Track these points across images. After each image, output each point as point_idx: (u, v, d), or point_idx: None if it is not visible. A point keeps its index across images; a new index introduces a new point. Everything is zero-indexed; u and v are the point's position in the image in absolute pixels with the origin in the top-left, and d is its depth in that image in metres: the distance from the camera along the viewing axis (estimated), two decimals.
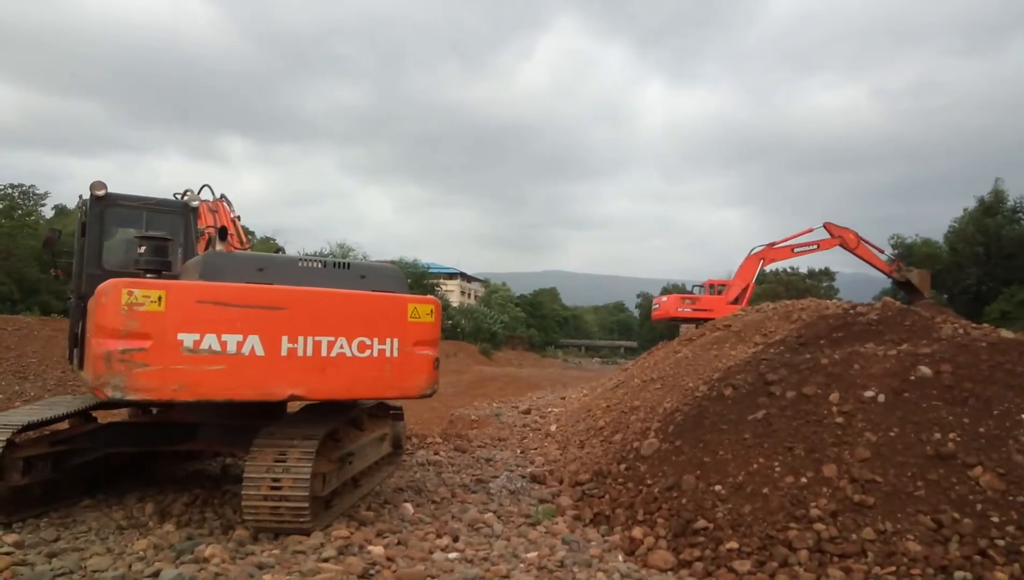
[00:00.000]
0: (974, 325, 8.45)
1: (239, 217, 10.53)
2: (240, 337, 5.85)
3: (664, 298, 38.91)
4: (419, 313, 6.58)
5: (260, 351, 5.91)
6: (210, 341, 5.74)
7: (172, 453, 8.47)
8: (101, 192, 7.79)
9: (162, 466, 8.79)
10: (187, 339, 5.67)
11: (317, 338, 6.14)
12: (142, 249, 6.72)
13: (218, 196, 10.05)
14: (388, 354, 6.42)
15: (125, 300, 5.53)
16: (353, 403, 7.39)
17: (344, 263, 6.97)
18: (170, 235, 7.40)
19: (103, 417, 8.11)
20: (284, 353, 6.01)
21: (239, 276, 6.31)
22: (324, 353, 6.17)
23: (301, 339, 6.07)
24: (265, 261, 6.70)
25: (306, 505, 5.91)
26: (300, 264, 6.68)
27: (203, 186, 9.54)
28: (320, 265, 6.76)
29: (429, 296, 7.07)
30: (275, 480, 5.91)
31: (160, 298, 5.63)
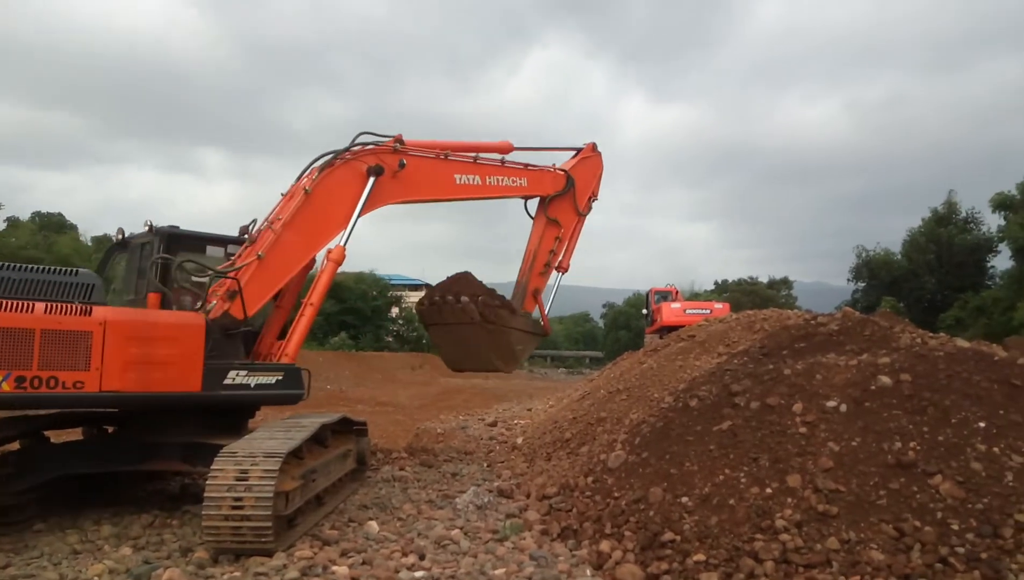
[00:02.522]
0: (931, 334, 8.62)
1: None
2: None
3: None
4: None
5: None
6: None
7: (130, 473, 8.25)
8: (120, 237, 8.78)
9: (119, 486, 8.55)
10: None
11: None
12: None
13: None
14: None
15: None
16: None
17: None
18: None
19: (56, 436, 7.88)
20: None
21: None
22: None
23: None
24: None
25: (269, 525, 5.80)
26: None
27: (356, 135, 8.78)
28: None
29: None
30: (237, 499, 5.79)
31: None
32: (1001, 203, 40.41)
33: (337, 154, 8.53)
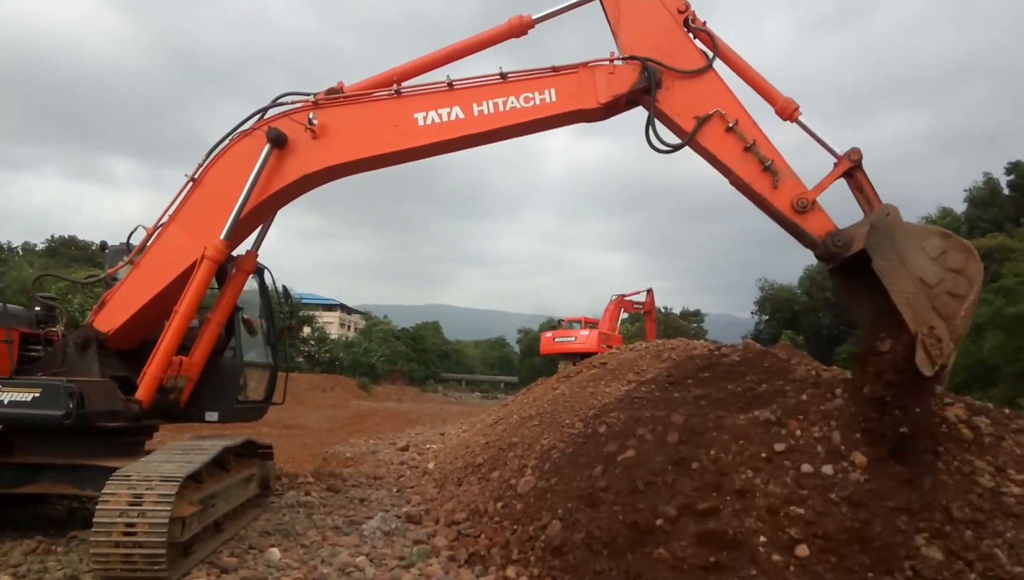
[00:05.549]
0: (824, 367, 9.07)
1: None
2: None
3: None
4: None
5: None
6: None
7: (11, 496, 7.74)
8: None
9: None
10: None
11: None
12: None
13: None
14: None
15: None
16: None
17: None
18: None
19: None
20: None
21: None
22: None
23: None
24: None
25: (163, 552, 5.55)
26: None
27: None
28: None
29: None
30: (129, 525, 5.53)
31: None
32: None
33: (237, 127, 7.24)
